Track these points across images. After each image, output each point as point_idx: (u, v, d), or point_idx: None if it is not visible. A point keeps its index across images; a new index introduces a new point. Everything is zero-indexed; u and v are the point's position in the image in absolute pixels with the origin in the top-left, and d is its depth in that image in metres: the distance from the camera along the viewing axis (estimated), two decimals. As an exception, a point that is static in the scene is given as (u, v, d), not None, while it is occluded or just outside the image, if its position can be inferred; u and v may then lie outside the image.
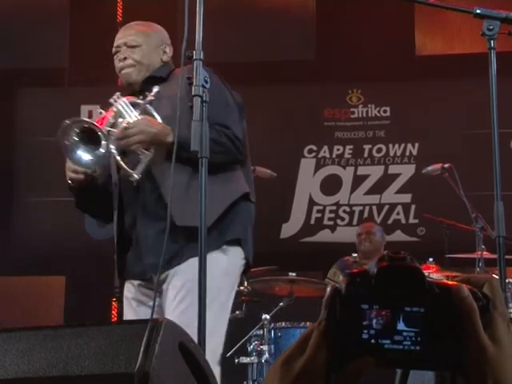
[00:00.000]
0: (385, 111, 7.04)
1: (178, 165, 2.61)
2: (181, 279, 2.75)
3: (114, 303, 6.93)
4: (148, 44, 3.02)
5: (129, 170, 2.73)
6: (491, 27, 2.36)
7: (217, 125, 2.65)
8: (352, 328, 0.69)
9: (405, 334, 0.69)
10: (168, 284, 2.79)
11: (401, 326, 0.69)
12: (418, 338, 0.68)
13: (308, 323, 4.50)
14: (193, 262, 2.67)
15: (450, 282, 0.70)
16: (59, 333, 1.32)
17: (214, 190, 2.67)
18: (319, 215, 6.90)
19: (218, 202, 2.72)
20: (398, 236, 6.74)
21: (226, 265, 2.80)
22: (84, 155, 2.64)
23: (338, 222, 6.92)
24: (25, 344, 1.30)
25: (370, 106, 7.06)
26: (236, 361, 4.21)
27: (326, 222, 6.88)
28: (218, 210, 2.74)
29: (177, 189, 2.66)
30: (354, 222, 6.83)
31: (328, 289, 0.71)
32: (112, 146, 2.70)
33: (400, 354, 0.69)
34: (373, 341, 0.69)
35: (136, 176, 2.72)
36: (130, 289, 2.94)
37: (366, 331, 0.69)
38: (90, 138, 2.64)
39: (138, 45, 3.01)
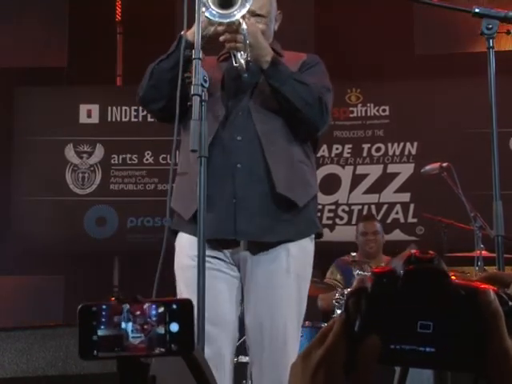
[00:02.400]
0: (384, 110, 7.04)
1: (280, 123, 2.61)
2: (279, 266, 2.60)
3: (112, 302, 6.93)
4: (271, 14, 2.80)
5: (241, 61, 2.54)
6: (490, 26, 2.36)
7: (317, 87, 2.63)
8: (374, 329, 0.69)
9: (428, 335, 0.69)
10: (254, 267, 2.60)
11: (424, 328, 0.69)
12: (442, 340, 0.69)
13: (307, 322, 4.50)
14: (285, 249, 2.62)
15: (476, 284, 0.70)
16: (58, 332, 1.32)
17: (309, 173, 2.73)
18: (318, 214, 6.90)
19: (311, 185, 2.72)
20: (397, 235, 6.74)
21: (312, 257, 2.78)
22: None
23: (337, 221, 6.92)
24: (24, 343, 1.30)
25: (369, 105, 7.07)
26: (235, 360, 4.21)
27: (324, 221, 6.88)
28: (311, 193, 2.70)
29: (281, 153, 2.61)
30: (353, 222, 6.82)
31: (355, 283, 0.71)
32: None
33: (422, 356, 0.69)
34: (395, 343, 0.69)
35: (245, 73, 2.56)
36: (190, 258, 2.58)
37: (387, 333, 0.69)
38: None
39: (265, 15, 2.75)
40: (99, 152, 7.12)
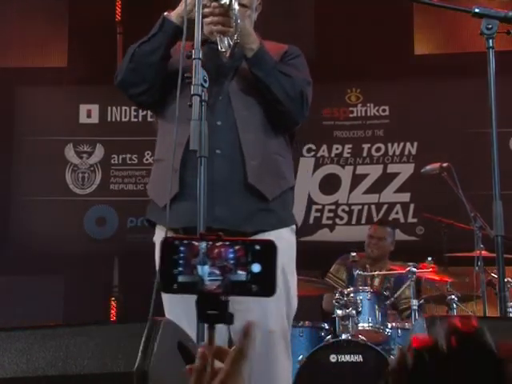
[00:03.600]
0: (384, 110, 7.04)
1: (259, 110, 2.57)
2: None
3: (112, 303, 6.93)
4: (253, 4, 2.73)
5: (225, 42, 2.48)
6: (490, 26, 2.36)
7: (299, 80, 2.60)
8: None
9: None
10: None
11: None
12: None
13: (307, 322, 4.50)
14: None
15: None
16: (58, 332, 1.32)
17: (284, 164, 2.63)
18: (318, 214, 6.90)
19: (285, 177, 2.64)
20: (397, 235, 6.71)
21: (294, 248, 2.67)
22: None
23: (337, 221, 6.91)
24: (24, 343, 1.30)
25: (368, 105, 7.06)
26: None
27: (324, 221, 6.88)
28: (284, 186, 2.63)
29: (256, 143, 2.56)
30: (353, 222, 6.82)
31: (396, 356, 0.69)
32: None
33: None
34: None
35: (227, 54, 2.50)
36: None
37: None
38: None
39: (247, 5, 2.69)
40: (99, 152, 7.12)
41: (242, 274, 0.94)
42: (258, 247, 0.94)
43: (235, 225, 2.50)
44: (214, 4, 2.46)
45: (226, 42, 2.50)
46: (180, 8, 2.53)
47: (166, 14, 2.57)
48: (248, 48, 2.54)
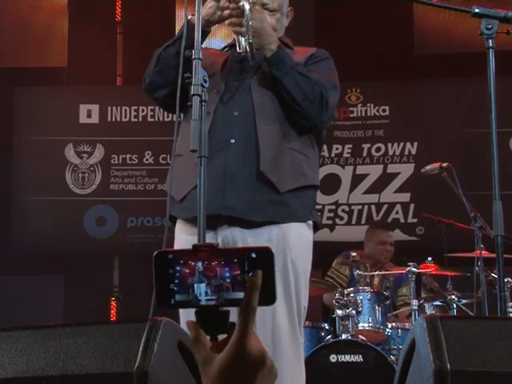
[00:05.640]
0: (384, 110, 7.04)
1: (278, 104, 2.57)
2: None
3: (112, 302, 6.94)
4: (283, 8, 2.78)
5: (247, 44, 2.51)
6: (490, 26, 2.36)
7: (320, 82, 2.59)
8: None
9: None
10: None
11: None
12: None
13: (307, 322, 4.50)
14: (277, 232, 2.52)
15: None
16: (58, 332, 1.32)
17: (304, 162, 2.60)
18: (318, 214, 6.90)
19: (305, 175, 2.60)
20: (397, 235, 6.71)
21: (310, 244, 2.67)
22: None
23: (337, 221, 6.92)
24: (24, 343, 1.30)
25: (369, 105, 7.07)
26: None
27: (324, 221, 6.88)
28: (302, 182, 2.59)
29: (273, 134, 2.56)
30: (353, 222, 6.82)
31: None
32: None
33: None
34: None
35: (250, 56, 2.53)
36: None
37: None
38: None
39: (276, 10, 2.74)
40: (99, 152, 7.12)
41: (239, 294, 0.93)
42: (254, 255, 0.93)
43: (243, 213, 2.50)
44: (232, 6, 2.52)
45: (243, 43, 2.54)
46: (203, 11, 2.54)
47: (190, 17, 2.59)
48: (267, 48, 2.57)
